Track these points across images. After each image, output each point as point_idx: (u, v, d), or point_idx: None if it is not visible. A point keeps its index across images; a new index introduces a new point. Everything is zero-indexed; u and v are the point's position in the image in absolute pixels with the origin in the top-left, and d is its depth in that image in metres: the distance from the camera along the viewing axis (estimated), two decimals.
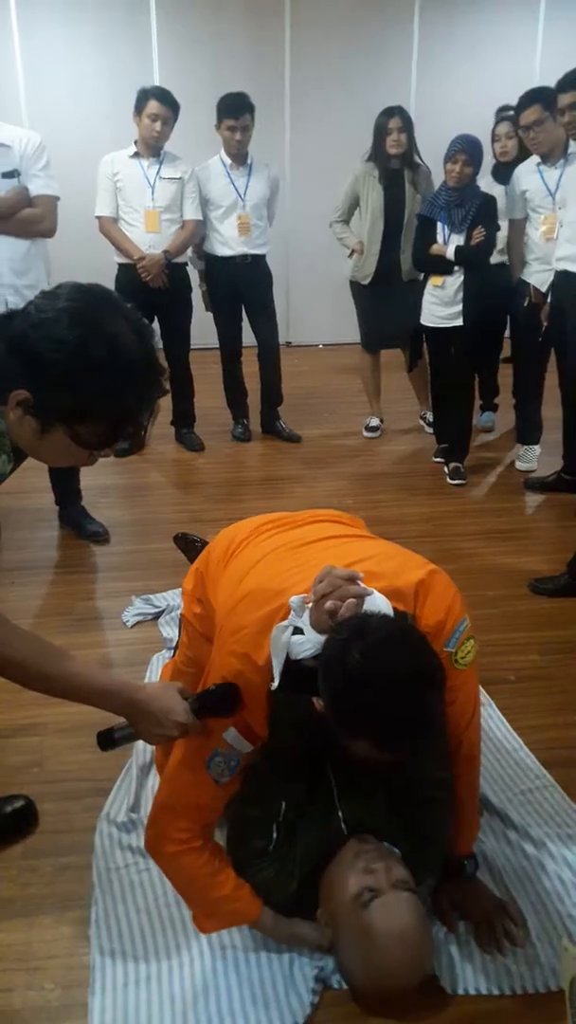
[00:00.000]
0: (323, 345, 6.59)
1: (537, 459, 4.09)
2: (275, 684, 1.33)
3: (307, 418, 4.81)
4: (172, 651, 2.41)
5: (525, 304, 3.87)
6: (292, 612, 1.34)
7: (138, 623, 2.75)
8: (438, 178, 4.00)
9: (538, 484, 3.89)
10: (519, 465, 4.12)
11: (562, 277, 3.53)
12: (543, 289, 3.76)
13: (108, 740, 1.43)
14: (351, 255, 4.37)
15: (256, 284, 4.37)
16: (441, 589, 1.45)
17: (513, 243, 3.96)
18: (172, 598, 2.82)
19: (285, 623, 1.34)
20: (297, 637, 1.30)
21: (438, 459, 4.21)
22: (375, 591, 1.34)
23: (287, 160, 6.09)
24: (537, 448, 4.12)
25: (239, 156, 4.16)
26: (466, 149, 3.68)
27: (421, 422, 4.71)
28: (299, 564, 1.52)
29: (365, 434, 4.63)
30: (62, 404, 1.14)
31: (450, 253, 3.76)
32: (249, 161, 4.20)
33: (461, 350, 3.92)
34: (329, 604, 1.27)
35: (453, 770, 1.55)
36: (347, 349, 6.08)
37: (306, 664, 1.30)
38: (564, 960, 0.64)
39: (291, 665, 1.31)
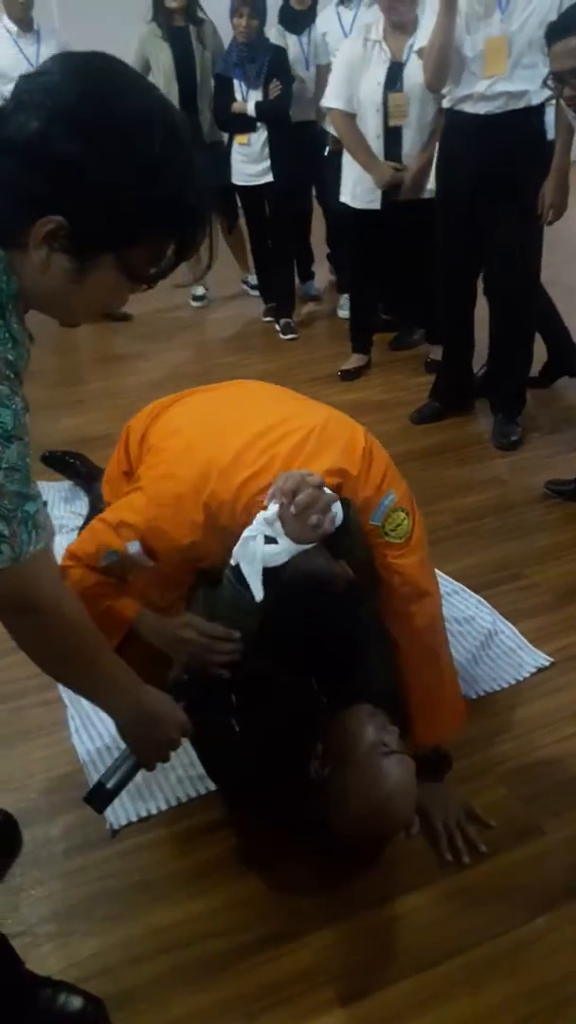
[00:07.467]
0: None
1: None
2: (258, 597, 1.36)
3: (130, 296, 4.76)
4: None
5: (325, 154, 4.02)
6: (262, 520, 1.35)
7: None
8: (225, 36, 3.97)
9: None
10: (340, 313, 4.37)
11: None
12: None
13: (100, 796, 1.29)
14: None
15: None
16: (378, 460, 1.53)
17: (319, 90, 4.02)
18: (46, 490, 2.79)
19: (252, 531, 1.36)
20: (272, 547, 1.34)
21: (267, 318, 4.38)
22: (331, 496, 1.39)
23: (57, 30, 5.69)
24: None
25: (24, 21, 3.91)
26: (248, 1, 3.68)
27: (244, 286, 4.83)
28: (237, 412, 1.63)
29: (192, 303, 4.70)
30: (112, 217, 0.83)
31: (250, 109, 3.81)
32: (36, 27, 3.96)
33: (275, 205, 4.04)
34: (315, 519, 1.33)
35: (406, 648, 1.59)
36: None
37: (273, 567, 1.35)
38: None
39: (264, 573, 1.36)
